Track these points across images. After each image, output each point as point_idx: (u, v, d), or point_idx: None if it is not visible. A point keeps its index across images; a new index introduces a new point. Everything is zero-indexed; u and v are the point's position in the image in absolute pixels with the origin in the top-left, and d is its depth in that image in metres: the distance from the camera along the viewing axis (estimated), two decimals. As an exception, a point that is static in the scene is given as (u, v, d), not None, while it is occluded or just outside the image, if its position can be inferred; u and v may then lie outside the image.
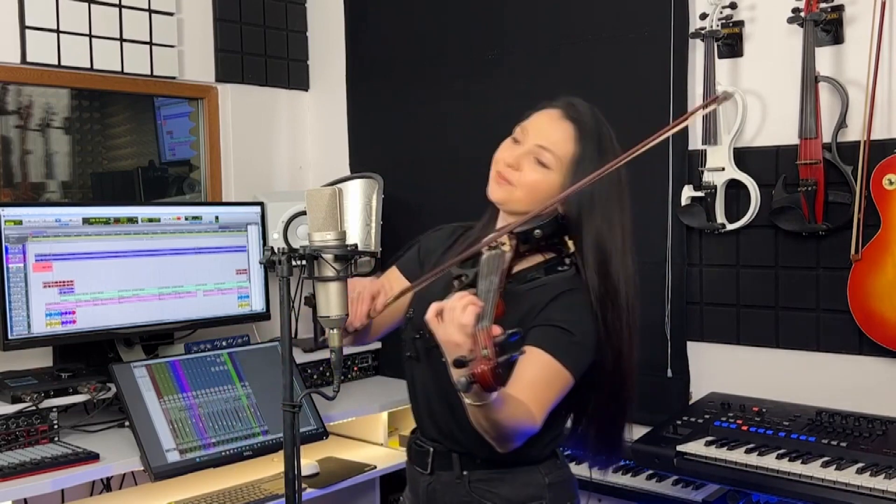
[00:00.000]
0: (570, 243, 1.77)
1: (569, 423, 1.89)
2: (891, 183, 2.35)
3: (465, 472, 1.81)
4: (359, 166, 3.63)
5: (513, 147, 1.79)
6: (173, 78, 3.37)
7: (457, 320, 1.44)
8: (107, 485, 2.82)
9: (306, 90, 3.82)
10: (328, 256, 1.62)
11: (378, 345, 3.48)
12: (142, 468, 2.48)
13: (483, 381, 1.35)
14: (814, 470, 2.14)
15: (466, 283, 1.63)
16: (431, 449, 1.85)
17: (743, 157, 2.66)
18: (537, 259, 1.80)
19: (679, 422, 2.50)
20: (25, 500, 2.45)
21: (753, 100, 2.66)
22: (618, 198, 1.76)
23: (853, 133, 2.46)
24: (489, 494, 1.80)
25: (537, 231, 1.72)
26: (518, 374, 1.64)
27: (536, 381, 1.65)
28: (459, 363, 1.38)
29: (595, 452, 1.93)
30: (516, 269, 1.76)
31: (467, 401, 1.50)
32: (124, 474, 2.76)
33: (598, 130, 1.77)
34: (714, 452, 2.29)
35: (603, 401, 1.81)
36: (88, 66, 3.11)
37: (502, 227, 1.74)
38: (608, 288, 1.73)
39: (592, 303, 1.72)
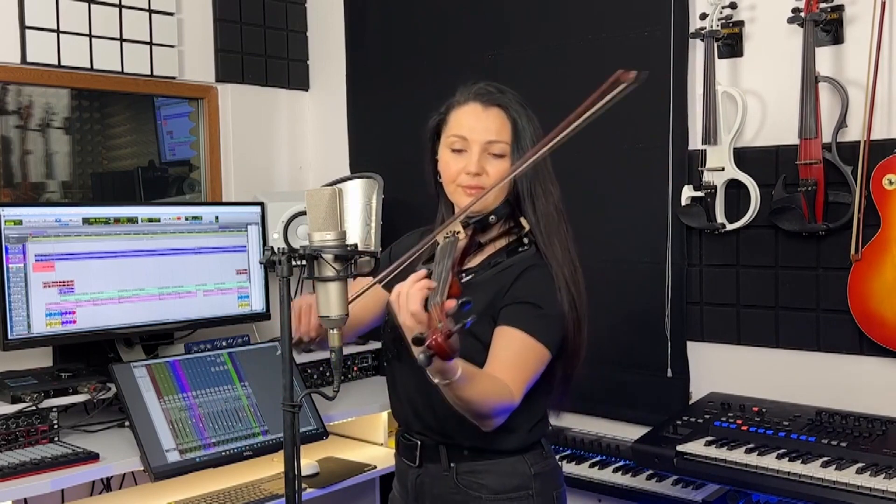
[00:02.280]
0: (524, 222, 1.84)
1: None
2: (891, 183, 2.35)
3: (452, 464, 1.84)
4: (359, 166, 3.63)
5: (462, 157, 1.84)
6: (173, 78, 3.38)
7: (405, 303, 1.50)
8: (107, 485, 2.82)
9: (306, 90, 3.82)
10: (328, 256, 1.62)
11: (378, 345, 3.48)
12: (142, 468, 2.48)
13: (439, 350, 1.39)
14: (814, 470, 2.14)
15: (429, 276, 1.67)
16: (419, 442, 1.88)
17: (743, 157, 2.66)
18: (499, 245, 1.87)
19: (679, 422, 2.50)
20: (25, 500, 2.45)
21: (753, 100, 2.66)
22: (548, 163, 1.84)
23: (853, 133, 2.46)
24: (476, 485, 1.83)
25: (492, 217, 1.80)
26: (493, 354, 1.70)
27: (512, 358, 1.70)
28: (417, 340, 1.43)
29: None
30: (480, 257, 1.85)
31: (435, 380, 1.54)
32: (124, 474, 2.76)
33: (513, 98, 1.86)
34: (714, 452, 2.29)
35: (564, 363, 1.85)
36: (88, 66, 3.11)
37: (453, 217, 1.79)
38: (563, 246, 1.82)
39: (556, 271, 1.79)
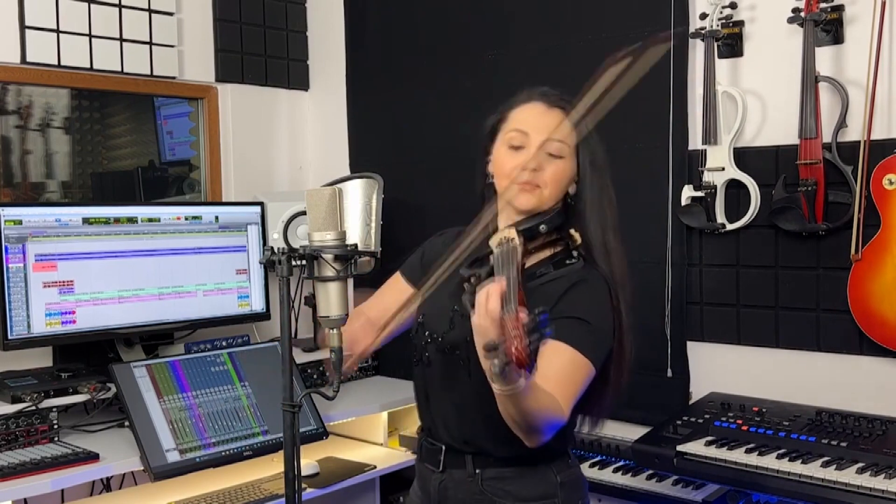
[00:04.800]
0: (577, 235, 1.78)
1: None
2: (891, 183, 2.35)
3: (477, 471, 1.81)
4: (359, 166, 3.63)
5: (519, 153, 1.78)
6: (173, 78, 3.38)
7: (483, 306, 1.42)
8: (107, 485, 2.82)
9: (306, 90, 3.82)
10: (328, 256, 1.62)
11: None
12: (142, 468, 2.48)
13: (518, 359, 1.34)
14: (814, 470, 2.14)
15: (478, 283, 1.60)
16: (443, 447, 1.85)
17: (743, 156, 2.66)
18: (545, 254, 1.80)
19: (679, 422, 2.50)
20: (25, 500, 2.45)
21: (753, 100, 2.66)
22: (607, 177, 1.81)
23: (853, 133, 2.46)
24: (502, 493, 1.80)
25: (542, 226, 1.73)
26: (542, 369, 1.61)
27: (560, 373, 1.64)
28: (490, 347, 1.37)
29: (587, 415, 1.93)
30: (525, 266, 1.75)
31: (497, 388, 1.48)
32: (124, 474, 2.76)
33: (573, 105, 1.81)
34: (714, 452, 2.29)
35: (608, 380, 1.81)
36: (88, 66, 3.11)
37: (509, 226, 1.74)
38: (613, 266, 1.77)
39: (608, 287, 1.75)
